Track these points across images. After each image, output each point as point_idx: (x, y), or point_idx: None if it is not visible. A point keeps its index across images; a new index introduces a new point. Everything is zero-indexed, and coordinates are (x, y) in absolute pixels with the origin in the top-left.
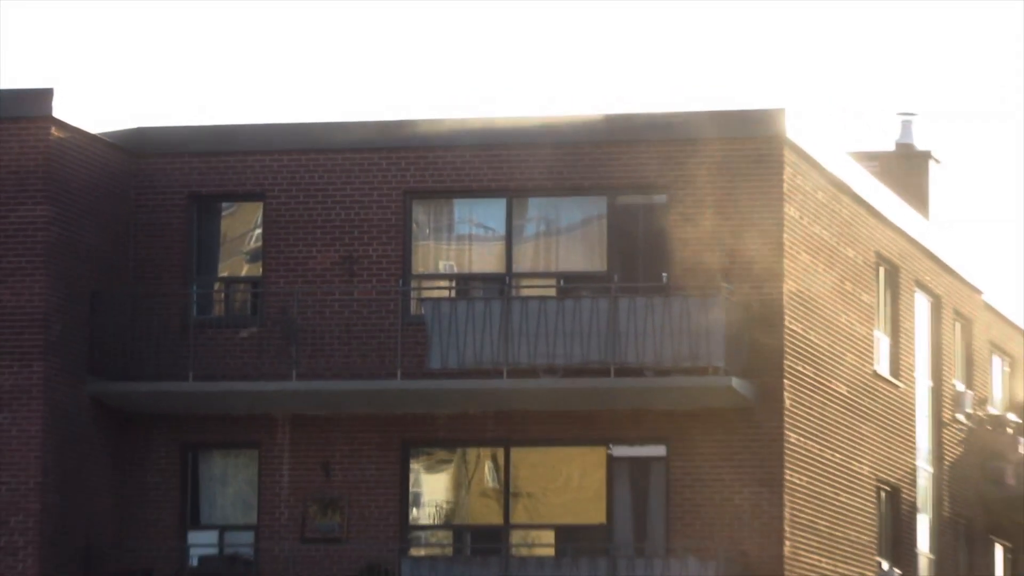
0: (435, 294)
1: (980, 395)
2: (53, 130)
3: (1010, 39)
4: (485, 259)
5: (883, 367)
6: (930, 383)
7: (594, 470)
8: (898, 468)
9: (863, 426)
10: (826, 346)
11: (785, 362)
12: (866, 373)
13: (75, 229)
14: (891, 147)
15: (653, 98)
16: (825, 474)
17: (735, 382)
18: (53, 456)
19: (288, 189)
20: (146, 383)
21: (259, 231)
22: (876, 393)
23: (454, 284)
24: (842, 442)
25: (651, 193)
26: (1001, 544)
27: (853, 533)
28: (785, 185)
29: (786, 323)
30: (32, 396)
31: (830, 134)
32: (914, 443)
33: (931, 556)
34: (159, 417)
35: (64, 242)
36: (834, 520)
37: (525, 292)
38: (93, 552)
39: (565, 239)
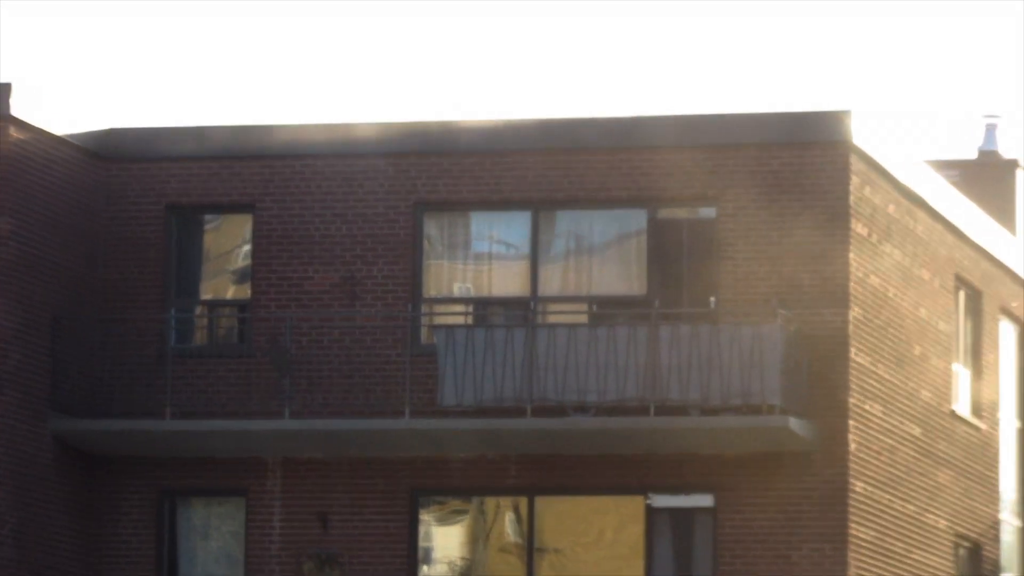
0: (449, 321)
1: None
2: (12, 131)
3: None
4: (507, 281)
5: (963, 406)
6: (1017, 424)
7: (631, 523)
8: (979, 521)
9: (939, 473)
10: (897, 382)
11: (850, 400)
12: (943, 412)
13: (36, 244)
14: (973, 154)
15: (702, 98)
16: (896, 528)
17: (793, 423)
18: (9, 504)
19: (281, 200)
20: (117, 421)
21: (247, 247)
22: (955, 435)
23: (471, 309)
24: (915, 492)
25: (697, 206)
26: None
27: None
28: (852, 198)
29: (852, 355)
30: None
31: (903, 140)
32: (998, 493)
33: None
34: (132, 460)
35: (24, 259)
36: None
37: (552, 319)
38: None
39: (598, 258)
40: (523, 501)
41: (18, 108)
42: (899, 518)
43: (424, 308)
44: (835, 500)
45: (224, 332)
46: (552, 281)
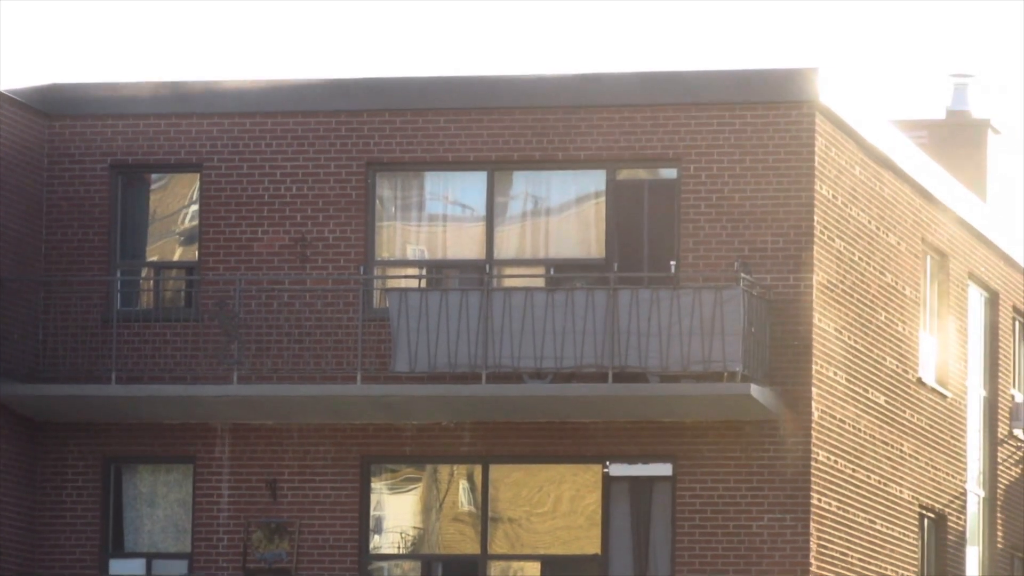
0: (402, 284)
1: None
2: None
3: None
4: (461, 243)
5: (928, 374)
6: (984, 393)
7: (588, 492)
8: (944, 492)
9: (904, 443)
10: (862, 348)
11: (813, 367)
12: (909, 380)
13: None
14: (942, 115)
15: (663, 55)
16: (859, 498)
17: (754, 390)
18: None
19: (229, 159)
20: (61, 386)
21: (195, 208)
22: (920, 404)
23: (425, 272)
24: (879, 461)
25: (658, 166)
26: None
27: (891, 567)
28: (817, 159)
29: (815, 321)
30: None
31: (870, 99)
32: (964, 463)
33: None
34: (76, 426)
35: None
36: (869, 552)
37: (508, 282)
38: None
39: (556, 220)
40: (477, 469)
41: None
42: (863, 488)
43: (377, 271)
44: (797, 470)
45: (171, 295)
46: (508, 244)
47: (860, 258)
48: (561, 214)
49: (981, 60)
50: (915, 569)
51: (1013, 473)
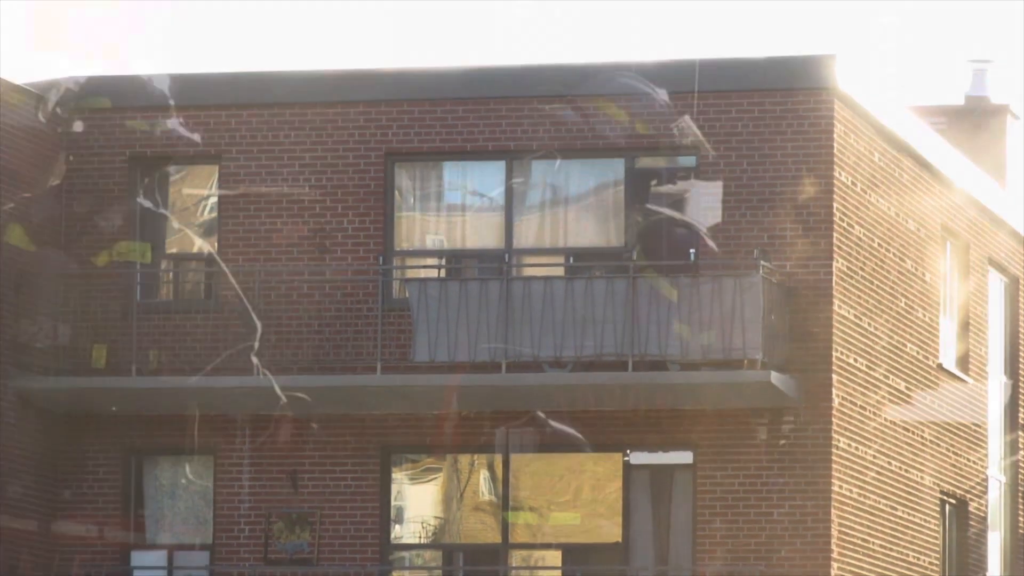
0: (422, 274)
1: None
2: None
3: None
4: (480, 233)
5: (949, 359)
6: (1005, 379)
7: (608, 480)
8: (966, 478)
9: (925, 429)
10: (882, 335)
11: (834, 354)
12: (929, 367)
13: None
14: (961, 100)
15: (679, 43)
16: (880, 485)
17: (775, 377)
18: None
19: (248, 150)
20: (81, 378)
21: (214, 200)
22: (941, 390)
23: (444, 262)
24: (900, 448)
25: (677, 155)
26: None
27: (912, 554)
28: (836, 145)
29: (835, 308)
30: None
31: (888, 85)
32: (985, 449)
33: None
34: (97, 418)
35: None
36: (890, 538)
37: (528, 272)
38: None
39: (575, 209)
40: (498, 459)
41: None
42: (884, 475)
43: (396, 261)
44: (818, 456)
45: (190, 287)
46: (527, 233)
47: (879, 244)
48: (580, 203)
49: (999, 45)
50: (937, 555)
51: None
